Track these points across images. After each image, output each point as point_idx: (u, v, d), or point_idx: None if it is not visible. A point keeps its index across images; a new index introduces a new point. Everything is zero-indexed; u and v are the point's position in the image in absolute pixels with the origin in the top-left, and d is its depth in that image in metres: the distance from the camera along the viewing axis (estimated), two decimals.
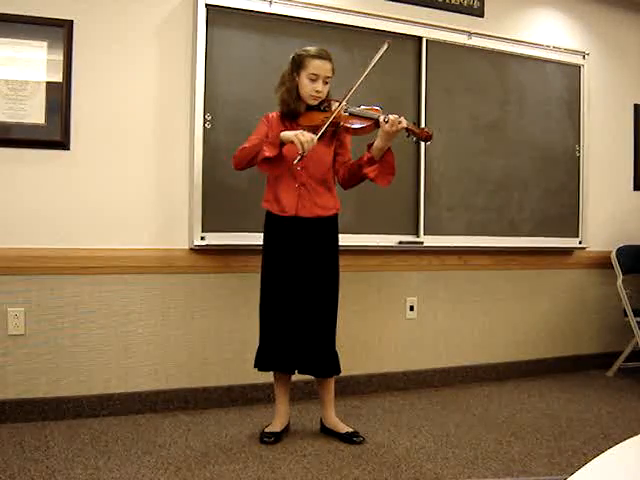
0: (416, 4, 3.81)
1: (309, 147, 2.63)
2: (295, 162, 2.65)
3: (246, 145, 2.79)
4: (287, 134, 2.68)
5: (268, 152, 2.70)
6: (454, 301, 3.97)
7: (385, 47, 2.74)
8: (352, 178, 2.85)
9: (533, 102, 4.12)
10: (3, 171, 2.98)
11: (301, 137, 2.62)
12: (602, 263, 4.35)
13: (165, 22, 3.25)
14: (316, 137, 2.66)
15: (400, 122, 2.66)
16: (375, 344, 3.75)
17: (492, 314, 4.09)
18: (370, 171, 2.76)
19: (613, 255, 4.24)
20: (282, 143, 2.70)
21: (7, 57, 2.96)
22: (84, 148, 3.10)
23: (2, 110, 2.95)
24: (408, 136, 2.74)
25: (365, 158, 2.77)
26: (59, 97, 3.03)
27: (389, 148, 2.75)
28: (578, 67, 4.25)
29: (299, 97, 2.82)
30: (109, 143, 3.15)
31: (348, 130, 2.80)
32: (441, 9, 3.89)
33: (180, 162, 3.28)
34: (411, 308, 3.84)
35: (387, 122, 2.65)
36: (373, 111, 2.77)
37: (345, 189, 2.94)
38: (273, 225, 2.86)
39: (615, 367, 4.27)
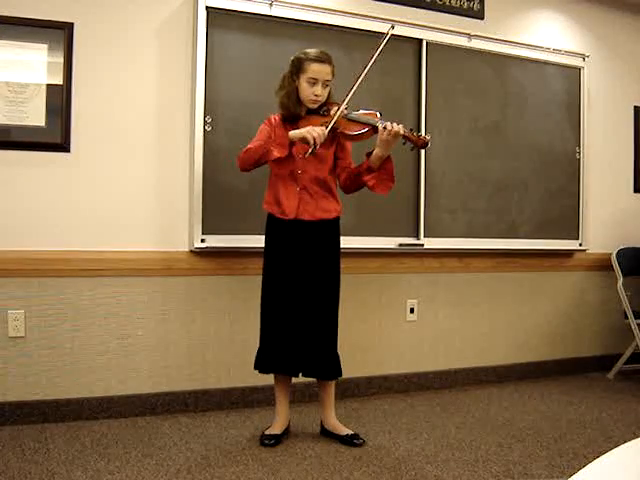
0: (416, 6, 3.81)
1: (320, 141, 2.67)
2: (307, 155, 2.69)
3: (251, 146, 2.79)
4: (297, 132, 2.72)
5: (277, 152, 2.73)
6: (454, 303, 3.97)
7: (390, 32, 2.77)
8: (352, 184, 2.88)
9: (533, 104, 4.12)
10: (3, 173, 2.98)
11: (313, 133, 2.66)
12: (602, 265, 4.35)
13: (165, 24, 3.25)
14: (326, 129, 2.70)
15: (397, 130, 2.67)
16: (375, 346, 3.75)
17: (492, 316, 4.09)
18: (369, 179, 2.79)
19: (613, 257, 4.24)
20: (291, 143, 2.72)
21: (8, 59, 2.96)
22: (84, 150, 3.10)
23: (2, 112, 2.95)
24: (404, 143, 2.75)
25: (364, 166, 2.78)
26: (59, 99, 3.04)
27: (388, 156, 2.76)
28: (578, 69, 4.25)
29: (299, 101, 2.83)
30: (109, 145, 3.15)
31: (346, 137, 2.81)
32: (441, 11, 3.89)
33: (180, 164, 3.28)
34: (411, 310, 3.84)
35: (385, 129, 2.66)
36: (371, 116, 2.78)
37: (346, 194, 2.97)
38: (275, 228, 2.86)
39: (615, 369, 4.27)
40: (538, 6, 4.24)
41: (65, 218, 3.07)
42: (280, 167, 2.80)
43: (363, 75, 2.76)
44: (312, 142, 2.65)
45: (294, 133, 2.72)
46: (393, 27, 2.79)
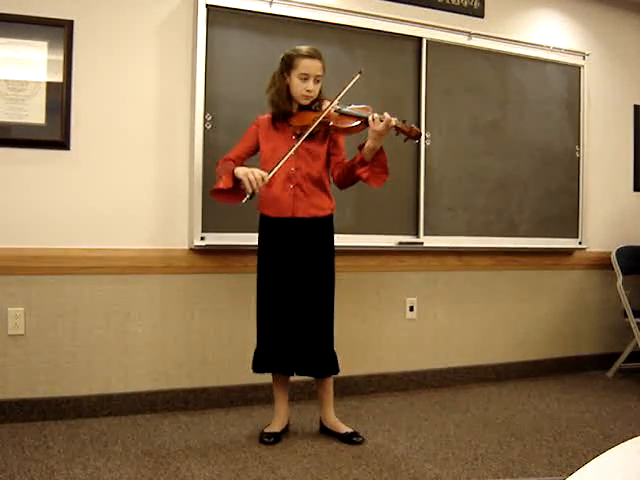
0: (416, 4, 3.81)
1: (258, 186, 2.65)
2: (244, 201, 2.66)
3: (229, 155, 2.83)
4: (239, 172, 2.71)
5: (222, 184, 2.74)
6: (454, 301, 3.97)
7: (357, 77, 2.77)
8: (346, 179, 2.87)
9: (533, 103, 4.12)
10: (3, 171, 2.98)
11: (250, 176, 2.64)
12: (602, 264, 4.35)
13: (165, 22, 3.25)
14: (267, 175, 2.67)
15: (389, 121, 2.67)
16: (375, 344, 3.75)
17: (492, 315, 4.09)
18: (362, 172, 2.77)
19: (613, 256, 4.24)
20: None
21: (7, 57, 2.96)
22: (84, 148, 3.10)
23: (2, 110, 2.95)
24: (397, 134, 2.76)
25: (357, 159, 2.78)
26: (59, 97, 3.03)
27: (381, 148, 2.75)
28: (578, 68, 4.25)
29: (290, 97, 2.83)
30: (109, 143, 3.15)
31: (338, 130, 2.82)
32: (441, 9, 3.89)
33: (180, 162, 3.28)
34: (411, 308, 3.84)
35: (376, 120, 2.67)
36: (363, 110, 2.79)
37: (341, 189, 2.95)
38: (268, 227, 2.86)
39: (615, 368, 4.27)
40: (538, 4, 4.23)
41: (65, 216, 3.07)
42: (239, 196, 2.77)
43: (351, 84, 2.77)
44: (248, 186, 2.64)
45: (237, 171, 2.71)
46: (361, 72, 2.77)
